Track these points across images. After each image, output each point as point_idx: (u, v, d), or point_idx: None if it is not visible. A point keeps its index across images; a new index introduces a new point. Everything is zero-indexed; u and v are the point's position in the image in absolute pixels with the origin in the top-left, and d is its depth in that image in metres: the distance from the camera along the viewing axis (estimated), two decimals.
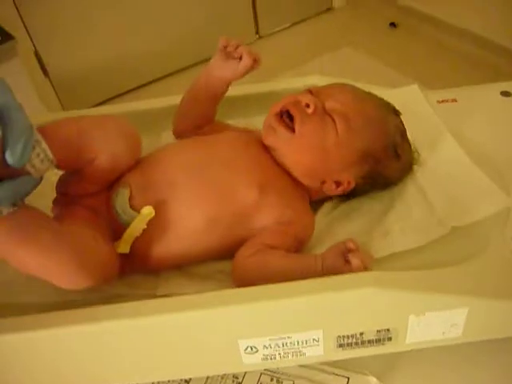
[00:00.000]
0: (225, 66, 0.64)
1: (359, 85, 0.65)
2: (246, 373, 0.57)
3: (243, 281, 0.53)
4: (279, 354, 0.51)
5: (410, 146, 0.64)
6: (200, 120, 0.68)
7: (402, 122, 0.63)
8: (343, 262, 0.51)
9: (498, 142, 0.64)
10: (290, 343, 0.50)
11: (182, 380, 0.57)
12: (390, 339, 0.50)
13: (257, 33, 1.87)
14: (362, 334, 0.50)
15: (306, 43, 1.86)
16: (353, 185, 0.61)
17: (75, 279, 0.49)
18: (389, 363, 0.56)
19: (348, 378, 0.55)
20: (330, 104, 0.59)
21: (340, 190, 0.61)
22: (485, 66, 1.49)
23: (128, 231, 0.55)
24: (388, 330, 0.50)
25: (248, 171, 0.58)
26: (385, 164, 0.61)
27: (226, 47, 0.64)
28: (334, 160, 0.59)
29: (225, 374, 0.57)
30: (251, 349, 0.50)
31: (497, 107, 0.69)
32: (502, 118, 0.68)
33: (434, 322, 0.49)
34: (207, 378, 0.57)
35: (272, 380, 0.56)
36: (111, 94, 1.55)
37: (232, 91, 0.69)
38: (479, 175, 0.59)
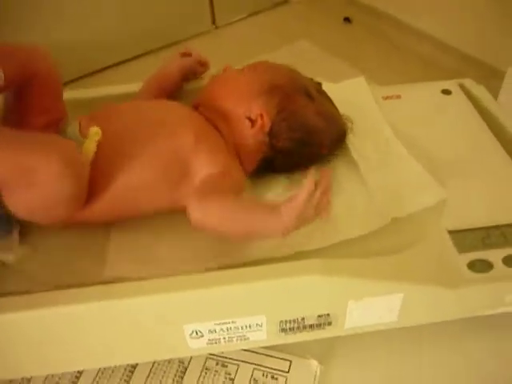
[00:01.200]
0: (174, 62, 0.72)
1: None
2: (191, 358, 0.58)
3: (202, 219, 0.53)
4: (224, 338, 0.52)
5: (330, 102, 0.67)
6: None
7: (320, 86, 0.67)
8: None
9: (436, 138, 0.67)
10: (235, 328, 0.51)
11: (127, 365, 0.57)
12: (330, 324, 0.53)
13: (213, 23, 1.86)
14: (303, 319, 0.52)
15: (263, 34, 1.86)
16: (268, 122, 0.61)
17: (61, 181, 0.48)
18: (330, 347, 0.58)
19: (290, 362, 0.57)
20: None
21: (257, 129, 0.61)
22: (436, 67, 1.53)
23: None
24: (328, 314, 0.52)
25: (184, 122, 0.60)
26: (295, 100, 0.62)
27: (184, 53, 0.72)
28: (241, 90, 0.63)
29: (171, 359, 0.58)
30: (196, 333, 0.51)
31: (437, 104, 0.72)
32: (441, 115, 0.71)
33: (372, 306, 0.52)
34: (153, 363, 0.58)
35: (217, 364, 0.57)
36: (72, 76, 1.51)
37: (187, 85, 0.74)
38: (418, 168, 0.62)
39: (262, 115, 0.61)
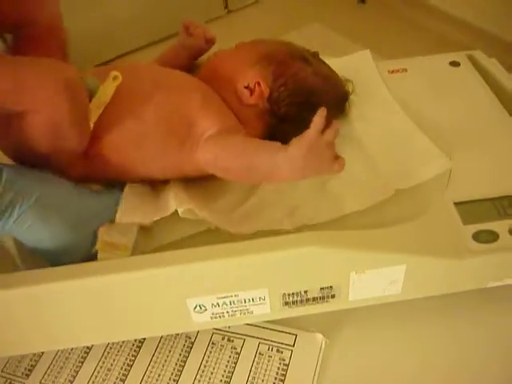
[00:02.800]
0: (185, 45, 0.70)
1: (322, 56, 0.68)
2: (198, 332, 0.59)
3: (213, 158, 0.55)
4: (227, 312, 0.53)
5: (328, 67, 0.67)
6: None
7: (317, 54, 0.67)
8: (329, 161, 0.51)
9: (443, 110, 0.66)
10: (238, 301, 0.51)
11: (135, 341, 0.58)
12: (333, 296, 0.53)
13: (226, 7, 1.85)
14: (306, 291, 0.52)
15: (275, 18, 1.85)
16: (266, 89, 0.61)
17: (58, 102, 0.47)
18: (336, 321, 0.58)
19: (296, 335, 0.57)
20: None
21: (257, 96, 0.61)
22: (454, 44, 1.51)
23: (98, 94, 0.53)
24: (331, 287, 0.52)
25: (193, 86, 0.61)
26: (291, 64, 0.62)
27: (187, 28, 0.69)
28: (235, 62, 0.63)
29: (178, 334, 0.58)
30: (200, 307, 0.52)
31: (446, 77, 0.71)
32: (449, 87, 0.70)
33: (374, 279, 0.51)
34: (160, 338, 0.59)
35: (223, 339, 0.58)
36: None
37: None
38: (422, 139, 0.61)
39: (258, 82, 0.61)
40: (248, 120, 0.62)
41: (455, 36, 1.55)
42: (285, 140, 0.62)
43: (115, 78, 0.54)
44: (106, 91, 0.54)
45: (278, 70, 0.62)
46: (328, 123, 0.51)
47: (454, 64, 0.73)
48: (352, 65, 0.70)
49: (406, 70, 0.73)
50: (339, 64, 0.68)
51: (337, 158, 0.52)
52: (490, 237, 0.53)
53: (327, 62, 0.67)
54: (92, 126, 0.52)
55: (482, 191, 0.56)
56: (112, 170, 0.56)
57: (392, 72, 0.72)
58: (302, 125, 0.61)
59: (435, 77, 0.71)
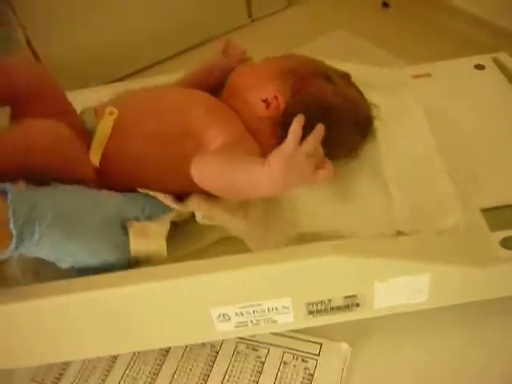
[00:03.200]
0: (219, 64, 0.70)
1: (350, 64, 0.68)
2: (223, 342, 0.59)
3: (200, 177, 0.55)
4: (251, 321, 0.53)
5: (355, 88, 0.65)
6: None
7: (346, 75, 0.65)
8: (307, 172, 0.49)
9: (468, 114, 0.65)
10: (261, 310, 0.51)
11: (161, 350, 0.59)
12: (357, 305, 0.52)
13: (249, 16, 1.86)
14: (330, 300, 0.51)
15: (299, 26, 1.85)
16: (282, 102, 0.60)
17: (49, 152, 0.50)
18: (361, 330, 0.57)
19: (321, 344, 0.57)
20: None
21: (272, 109, 0.60)
22: (480, 45, 1.48)
23: (97, 134, 0.56)
24: (355, 296, 0.51)
25: (198, 101, 0.62)
26: (311, 81, 0.61)
27: (224, 47, 0.70)
28: (256, 76, 0.63)
29: (203, 344, 0.59)
30: (223, 316, 0.52)
31: (470, 80, 0.70)
32: (474, 91, 0.68)
33: (399, 287, 0.51)
34: (186, 347, 0.59)
35: (248, 348, 0.58)
36: (104, 80, 1.56)
37: None
38: (445, 183, 0.57)
39: (276, 97, 0.60)
40: (262, 132, 0.62)
41: (481, 37, 1.53)
42: None
43: (111, 112, 0.58)
44: (104, 128, 0.57)
45: (297, 84, 0.61)
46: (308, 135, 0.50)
47: (479, 67, 0.72)
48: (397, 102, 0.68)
49: (429, 74, 0.72)
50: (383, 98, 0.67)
51: (321, 165, 0.50)
52: None
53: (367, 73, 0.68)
54: (98, 160, 0.55)
55: (508, 196, 0.55)
56: (127, 186, 0.57)
57: (416, 77, 0.72)
58: None
59: (460, 81, 0.70)
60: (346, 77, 0.65)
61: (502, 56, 0.74)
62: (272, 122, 0.61)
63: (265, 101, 0.61)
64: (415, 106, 0.65)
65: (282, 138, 0.61)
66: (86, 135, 0.57)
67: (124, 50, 1.55)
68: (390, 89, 0.68)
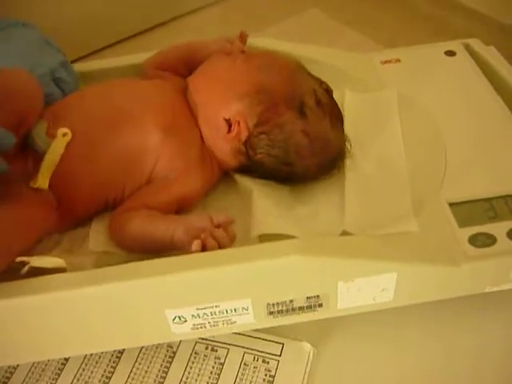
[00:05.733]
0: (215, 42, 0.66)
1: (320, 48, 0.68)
2: (180, 342, 0.56)
3: (112, 236, 0.55)
4: (209, 322, 0.50)
5: (331, 118, 0.58)
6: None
7: (328, 96, 0.59)
8: (188, 239, 0.49)
9: (437, 102, 0.63)
10: (219, 312, 0.49)
11: (115, 351, 0.56)
12: (320, 305, 0.50)
13: None
14: (291, 301, 0.49)
15: (273, 4, 1.80)
16: (245, 131, 0.56)
17: None
18: (324, 330, 0.55)
19: (283, 345, 0.54)
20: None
21: (233, 136, 0.56)
22: (456, 32, 1.46)
23: (47, 157, 0.53)
24: (318, 296, 0.49)
25: (155, 114, 0.57)
26: (282, 113, 0.56)
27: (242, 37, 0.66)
28: (227, 83, 0.58)
29: (159, 344, 0.56)
30: (179, 318, 0.49)
31: (440, 67, 0.68)
32: (443, 78, 0.66)
33: (364, 287, 0.48)
34: (141, 348, 0.56)
35: (207, 348, 0.55)
36: (85, 52, 1.48)
37: None
38: (405, 195, 0.54)
39: (239, 122, 0.56)
40: (219, 151, 0.59)
41: (458, 23, 1.51)
42: (259, 176, 0.60)
43: (65, 134, 0.54)
44: (56, 150, 0.53)
45: (266, 114, 0.56)
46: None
47: (450, 53, 0.69)
48: (375, 101, 0.65)
49: (399, 60, 0.69)
50: (361, 101, 0.65)
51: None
52: (488, 240, 0.50)
53: (352, 97, 0.65)
54: (47, 183, 0.52)
55: (479, 190, 0.53)
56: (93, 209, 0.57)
57: (385, 63, 0.69)
58: (277, 174, 0.58)
59: (429, 67, 0.68)
60: (322, 101, 0.58)
61: (474, 42, 0.72)
62: (231, 147, 0.58)
63: (227, 121, 0.57)
64: (391, 108, 0.63)
65: (242, 163, 0.59)
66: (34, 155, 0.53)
67: (90, 26, 1.49)
68: (366, 81, 0.66)
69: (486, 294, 0.52)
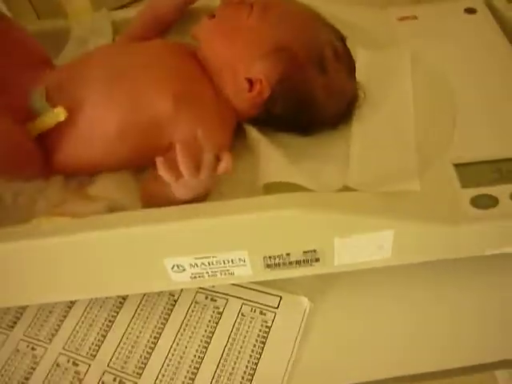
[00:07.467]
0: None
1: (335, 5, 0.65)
2: (182, 291, 0.57)
3: (144, 204, 0.55)
4: (207, 272, 0.51)
5: (347, 69, 0.59)
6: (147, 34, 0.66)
7: (342, 45, 0.58)
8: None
9: (454, 63, 0.61)
10: (217, 262, 0.50)
11: (118, 297, 0.58)
12: (317, 260, 0.50)
13: None
14: (288, 254, 0.49)
15: None
16: (267, 90, 0.55)
17: None
18: (322, 285, 0.56)
19: (280, 297, 0.55)
20: None
21: (255, 94, 0.56)
22: None
23: (36, 122, 0.54)
24: (315, 251, 0.49)
25: (166, 79, 0.56)
26: (304, 70, 0.55)
27: None
28: (243, 44, 0.56)
29: (161, 292, 0.57)
30: (178, 267, 0.50)
31: (458, 26, 0.65)
32: (462, 37, 0.64)
33: (360, 243, 0.49)
34: (144, 295, 0.58)
35: (207, 298, 0.57)
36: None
37: None
38: (410, 155, 0.53)
39: (261, 81, 0.55)
40: (237, 107, 0.59)
41: None
42: (276, 127, 0.60)
43: (60, 114, 0.53)
44: (47, 121, 0.54)
45: (288, 72, 0.55)
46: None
47: (470, 11, 0.67)
48: (387, 59, 0.63)
49: (416, 17, 0.67)
50: (374, 58, 0.63)
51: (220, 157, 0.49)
52: (490, 202, 0.49)
53: (364, 54, 0.63)
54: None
55: (484, 153, 0.52)
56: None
57: (402, 19, 0.67)
58: (294, 124, 0.59)
59: (447, 25, 0.65)
60: (340, 51, 0.58)
61: None
62: (251, 103, 0.57)
63: (249, 80, 0.56)
64: (403, 66, 0.62)
65: (259, 115, 0.58)
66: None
67: None
68: (379, 38, 0.65)
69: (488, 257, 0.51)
